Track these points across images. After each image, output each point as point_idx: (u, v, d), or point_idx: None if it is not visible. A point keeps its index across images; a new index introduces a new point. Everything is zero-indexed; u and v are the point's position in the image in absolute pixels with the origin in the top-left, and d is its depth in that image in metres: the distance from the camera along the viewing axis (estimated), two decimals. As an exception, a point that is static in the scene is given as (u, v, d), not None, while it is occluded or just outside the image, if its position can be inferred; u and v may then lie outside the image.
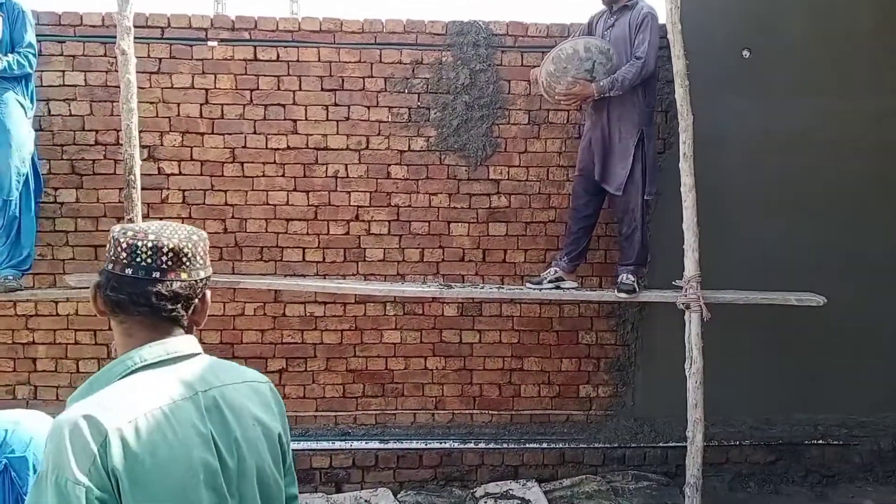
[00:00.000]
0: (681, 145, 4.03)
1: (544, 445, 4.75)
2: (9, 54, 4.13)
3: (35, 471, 3.33)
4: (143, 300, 1.39)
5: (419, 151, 4.67)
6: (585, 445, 4.76)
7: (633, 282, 4.31)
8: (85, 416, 1.26)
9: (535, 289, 4.41)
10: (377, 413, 4.77)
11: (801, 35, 4.69)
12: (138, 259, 1.39)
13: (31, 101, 4.30)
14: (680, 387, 4.09)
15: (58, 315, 4.58)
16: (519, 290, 4.47)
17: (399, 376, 4.77)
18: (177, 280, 1.41)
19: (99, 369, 4.96)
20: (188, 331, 1.48)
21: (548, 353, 4.82)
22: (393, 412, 4.78)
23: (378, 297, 4.65)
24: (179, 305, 1.43)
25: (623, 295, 4.31)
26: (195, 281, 1.45)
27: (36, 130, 4.44)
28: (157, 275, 1.40)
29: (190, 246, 1.44)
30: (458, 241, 4.73)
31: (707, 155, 4.26)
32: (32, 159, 4.27)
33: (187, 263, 1.43)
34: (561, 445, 4.75)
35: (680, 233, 4.04)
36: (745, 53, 4.68)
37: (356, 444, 4.66)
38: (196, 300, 1.47)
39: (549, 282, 4.40)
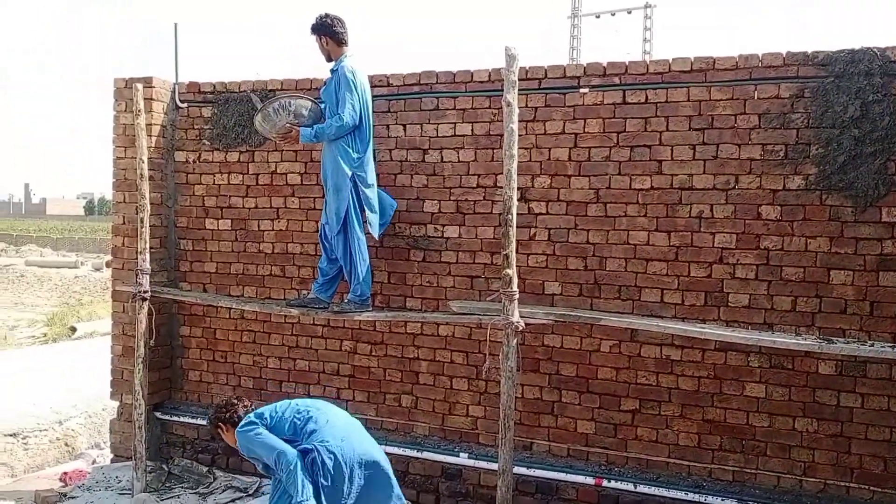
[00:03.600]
0: None
1: (947, 542, 3.96)
2: (325, 119, 4.79)
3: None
4: None
5: (795, 191, 4.31)
6: None
7: None
8: None
9: (939, 353, 3.74)
10: (735, 470, 4.46)
11: None
12: None
13: (361, 148, 4.82)
14: None
15: (438, 335, 5.19)
16: (917, 353, 3.84)
17: (762, 434, 4.41)
18: None
19: (468, 388, 5.42)
20: None
21: (955, 431, 4.04)
22: (753, 471, 4.43)
23: (740, 346, 4.38)
24: None
25: None
26: None
27: (429, 175, 5.15)
28: None
29: None
30: (840, 291, 4.23)
31: None
32: (364, 196, 4.83)
33: None
34: (971, 546, 3.92)
35: None
36: None
37: (710, 500, 4.41)
38: None
39: (961, 346, 3.70)
